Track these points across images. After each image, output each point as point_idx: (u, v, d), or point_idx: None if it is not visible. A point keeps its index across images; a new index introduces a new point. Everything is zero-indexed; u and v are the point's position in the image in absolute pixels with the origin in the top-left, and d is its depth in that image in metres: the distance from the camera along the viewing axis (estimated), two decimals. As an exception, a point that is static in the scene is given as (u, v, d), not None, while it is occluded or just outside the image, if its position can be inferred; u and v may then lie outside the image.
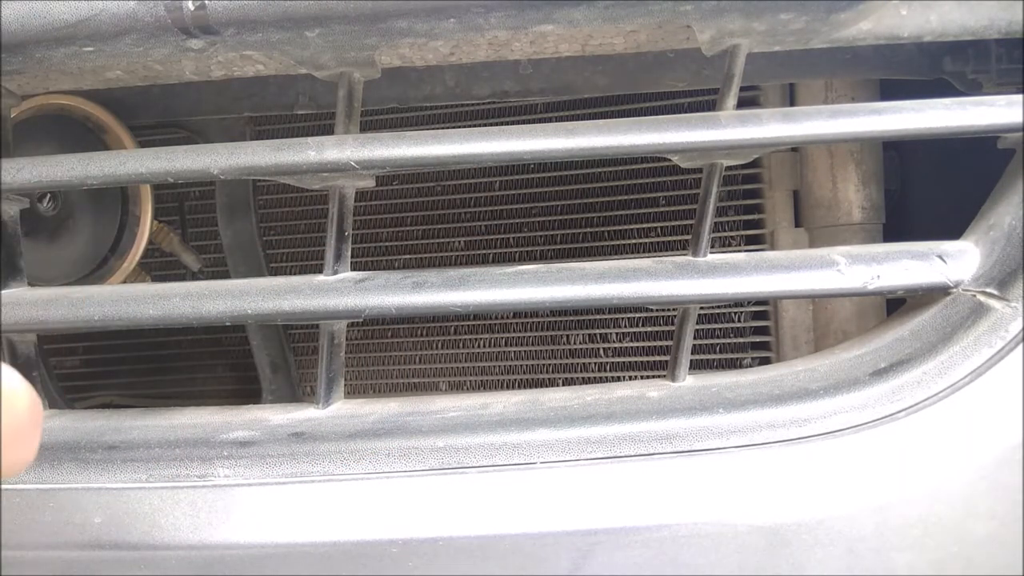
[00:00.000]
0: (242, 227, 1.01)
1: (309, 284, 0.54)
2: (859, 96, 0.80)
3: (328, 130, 0.58)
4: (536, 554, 0.48)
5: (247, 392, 1.10)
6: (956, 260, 0.52)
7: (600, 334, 0.97)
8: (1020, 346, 0.49)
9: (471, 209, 1.01)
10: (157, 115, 0.78)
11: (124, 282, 0.82)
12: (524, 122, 0.78)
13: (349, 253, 0.56)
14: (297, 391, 1.05)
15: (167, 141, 0.87)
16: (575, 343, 0.98)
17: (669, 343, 0.73)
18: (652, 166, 0.94)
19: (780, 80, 0.71)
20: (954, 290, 0.52)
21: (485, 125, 0.86)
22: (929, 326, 0.52)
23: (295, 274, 0.86)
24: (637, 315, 0.95)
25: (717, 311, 0.91)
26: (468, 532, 0.48)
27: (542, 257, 0.98)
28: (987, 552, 0.47)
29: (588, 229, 0.97)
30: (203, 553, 0.50)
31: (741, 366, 0.89)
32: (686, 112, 0.54)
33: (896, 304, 0.60)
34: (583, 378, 0.98)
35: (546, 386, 0.96)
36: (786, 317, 0.86)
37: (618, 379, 0.94)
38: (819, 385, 0.52)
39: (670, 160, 0.53)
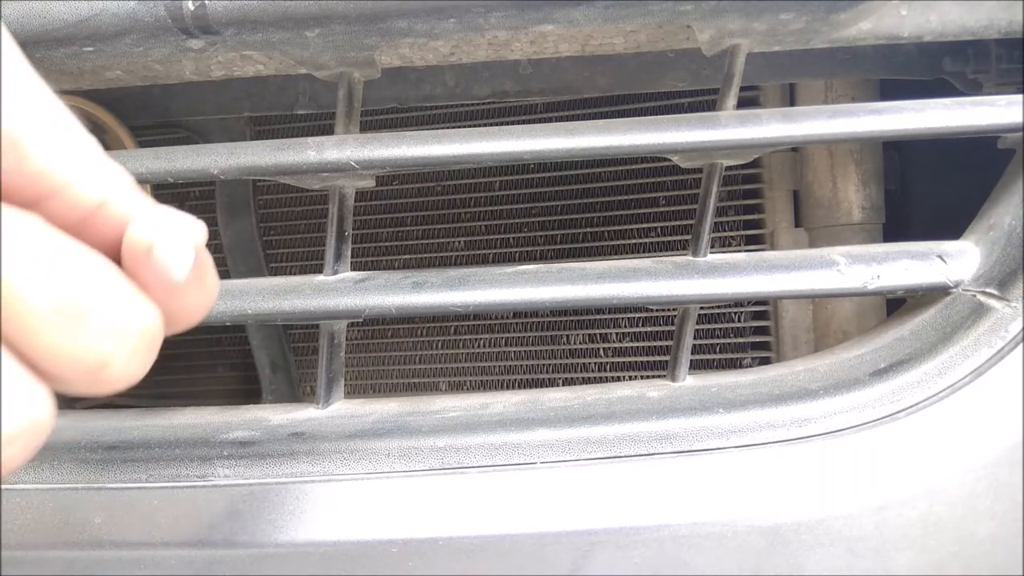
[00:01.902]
0: (242, 227, 1.01)
1: (309, 284, 0.54)
2: (859, 96, 0.80)
3: (328, 130, 0.58)
4: (536, 554, 0.48)
5: (247, 392, 1.10)
6: (956, 260, 0.52)
7: (600, 334, 0.97)
8: (1020, 346, 0.49)
9: (471, 209, 1.01)
10: (157, 115, 0.78)
11: (124, 282, 0.82)
12: (524, 122, 0.78)
13: (349, 253, 0.56)
14: (297, 391, 1.05)
15: (167, 141, 0.86)
16: (575, 343, 0.98)
17: (669, 343, 0.73)
18: (652, 166, 0.94)
19: (780, 80, 0.71)
20: (954, 290, 0.52)
21: (485, 125, 0.86)
22: (929, 326, 0.52)
23: (295, 274, 0.86)
24: (637, 315, 0.95)
25: (717, 311, 0.91)
26: (468, 532, 0.48)
27: (542, 257, 0.98)
28: (987, 552, 0.47)
29: (588, 229, 0.97)
30: (203, 553, 0.50)
31: (741, 366, 0.89)
32: (686, 112, 0.54)
33: (896, 304, 0.60)
34: (583, 378, 0.98)
35: (546, 386, 0.96)
36: (786, 317, 0.86)
37: (618, 379, 0.94)
38: (819, 385, 0.52)
39: (670, 160, 0.53)
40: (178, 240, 0.30)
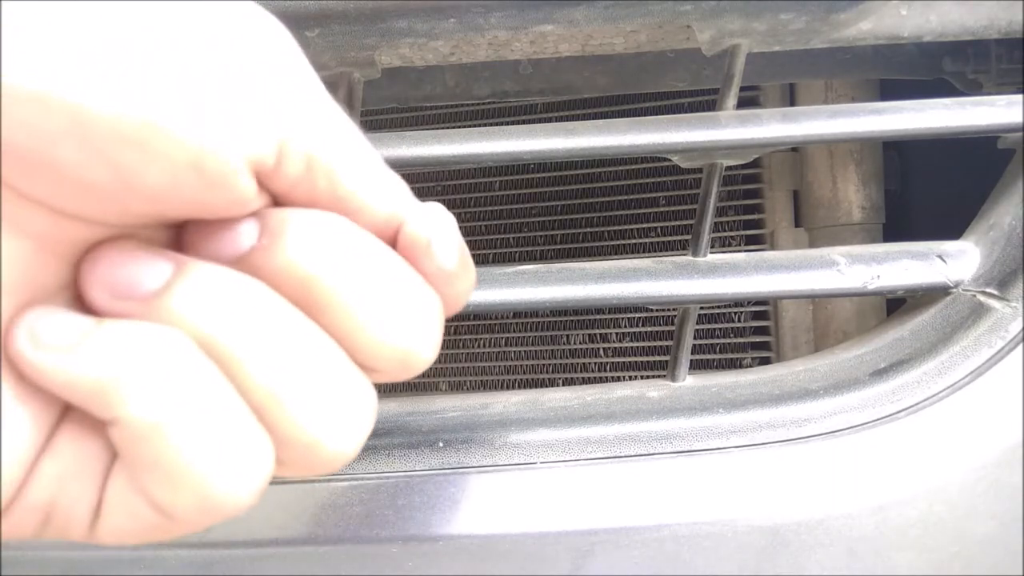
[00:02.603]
0: (242, 227, 1.00)
1: (309, 284, 0.54)
2: (859, 96, 0.80)
3: (328, 130, 0.57)
4: (536, 554, 0.48)
5: (247, 392, 1.10)
6: (956, 260, 0.52)
7: (600, 334, 0.97)
8: (1020, 346, 0.49)
9: (471, 209, 1.01)
10: (157, 115, 0.78)
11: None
12: (524, 122, 0.78)
13: (349, 253, 0.56)
14: (297, 391, 1.05)
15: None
16: (575, 343, 0.98)
17: (669, 343, 0.73)
18: (652, 166, 0.94)
19: (780, 80, 0.71)
20: (954, 290, 0.52)
21: (485, 125, 0.86)
22: (929, 326, 0.52)
23: (295, 274, 0.86)
24: (637, 315, 0.95)
25: (717, 311, 0.91)
26: (468, 532, 0.48)
27: (542, 257, 0.98)
28: (987, 552, 0.47)
29: (588, 229, 0.97)
30: (203, 552, 0.50)
31: (741, 366, 0.89)
32: (686, 112, 0.54)
33: (896, 304, 0.60)
34: (583, 378, 0.98)
35: (546, 386, 0.96)
36: (786, 317, 0.86)
37: (618, 379, 0.94)
38: (819, 385, 0.52)
39: (670, 160, 0.53)
40: (448, 231, 0.31)
